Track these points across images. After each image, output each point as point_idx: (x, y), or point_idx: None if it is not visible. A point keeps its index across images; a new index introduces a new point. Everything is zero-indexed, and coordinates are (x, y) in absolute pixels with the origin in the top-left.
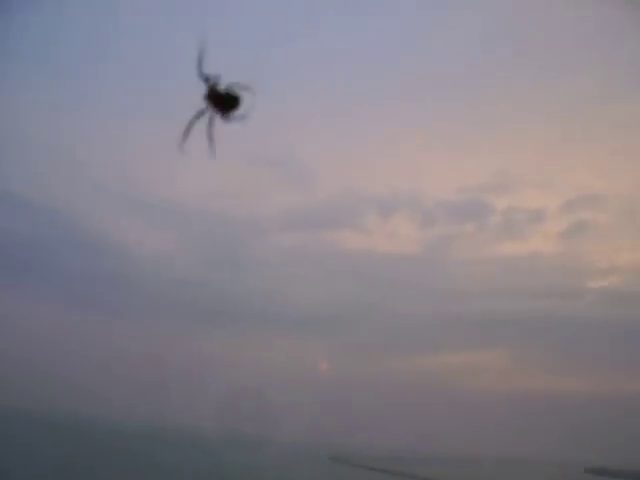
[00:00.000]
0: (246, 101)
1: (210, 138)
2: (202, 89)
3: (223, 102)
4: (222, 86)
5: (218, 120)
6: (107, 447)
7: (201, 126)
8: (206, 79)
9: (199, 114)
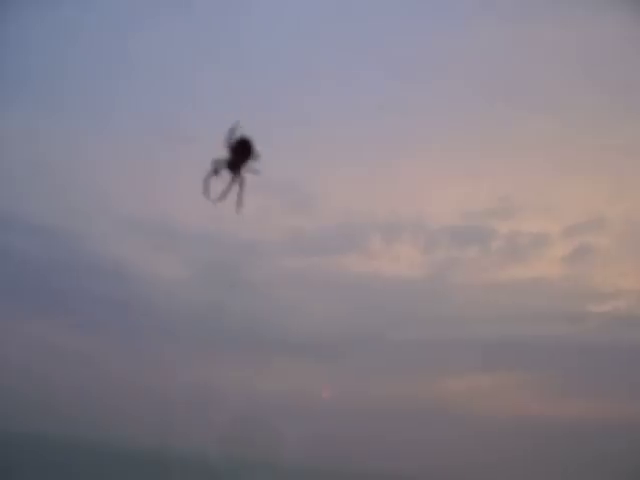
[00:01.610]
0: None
1: (207, 190)
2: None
3: (240, 156)
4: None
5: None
6: (111, 470)
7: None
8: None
9: (213, 172)
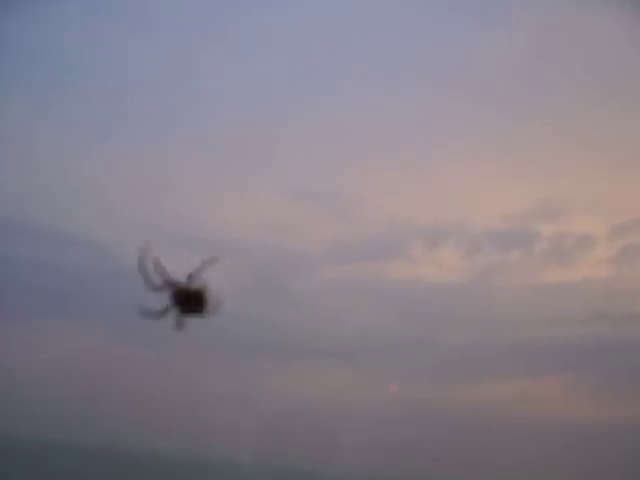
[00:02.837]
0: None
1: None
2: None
3: (189, 301)
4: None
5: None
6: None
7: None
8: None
9: (163, 312)
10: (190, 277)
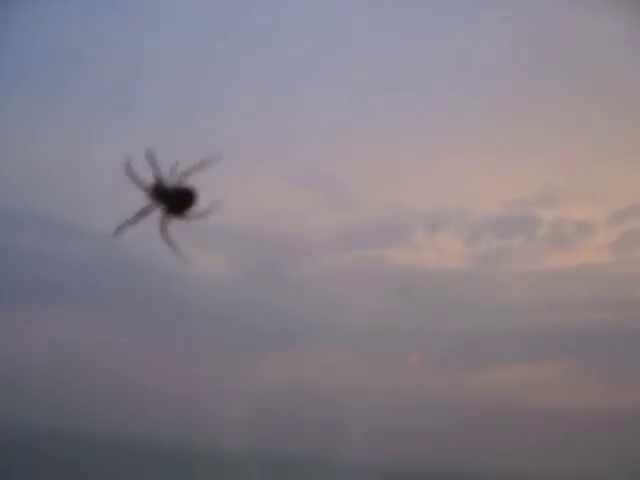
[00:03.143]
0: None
1: (169, 242)
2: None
3: (172, 200)
4: (172, 177)
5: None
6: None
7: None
8: (154, 169)
9: (143, 212)
10: (182, 176)
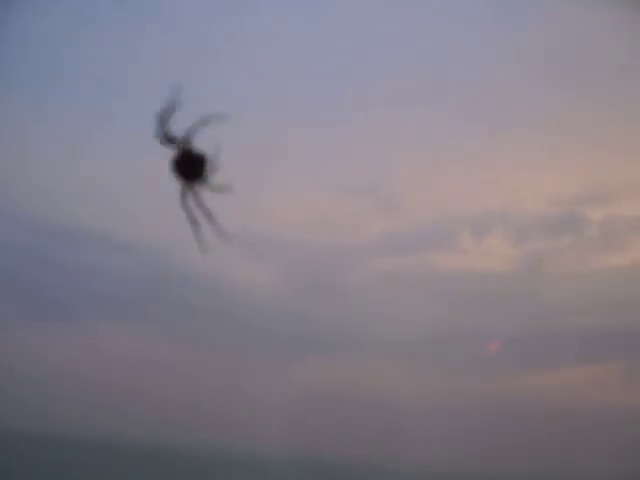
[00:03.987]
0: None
1: (190, 218)
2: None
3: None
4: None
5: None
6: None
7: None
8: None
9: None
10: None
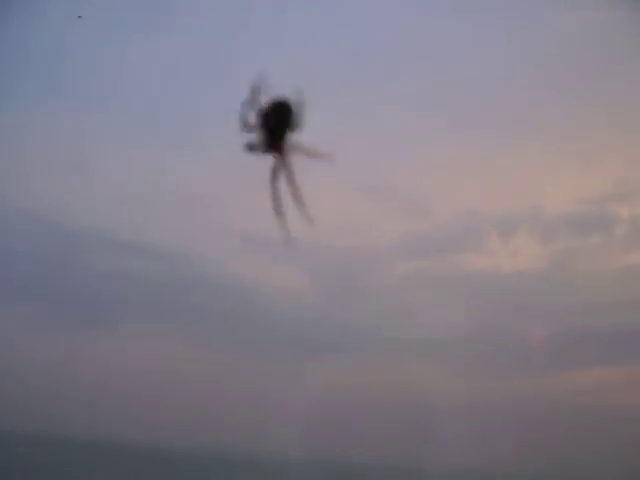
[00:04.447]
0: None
1: (295, 196)
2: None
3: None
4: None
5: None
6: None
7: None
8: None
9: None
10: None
